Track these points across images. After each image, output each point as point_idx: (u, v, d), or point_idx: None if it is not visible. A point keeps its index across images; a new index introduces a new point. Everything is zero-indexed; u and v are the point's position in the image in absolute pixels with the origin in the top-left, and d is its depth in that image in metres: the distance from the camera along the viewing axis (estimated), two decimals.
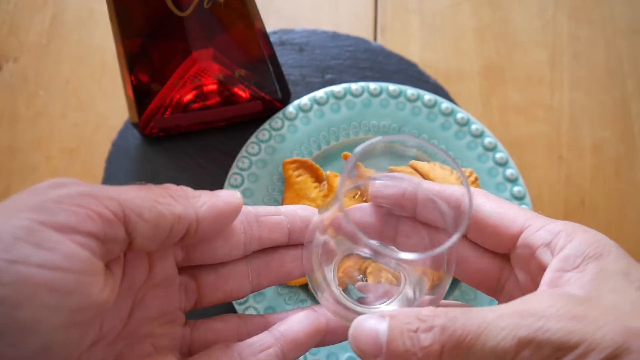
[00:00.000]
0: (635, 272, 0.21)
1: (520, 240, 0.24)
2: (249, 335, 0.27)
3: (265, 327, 0.27)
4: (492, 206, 0.25)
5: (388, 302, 0.27)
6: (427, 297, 0.25)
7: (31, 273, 0.19)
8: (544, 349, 0.18)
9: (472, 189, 0.26)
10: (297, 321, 0.27)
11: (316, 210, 0.29)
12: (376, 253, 0.26)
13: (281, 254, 0.29)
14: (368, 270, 0.28)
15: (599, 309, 0.19)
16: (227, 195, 0.25)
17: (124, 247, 0.22)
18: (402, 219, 0.28)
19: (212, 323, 0.28)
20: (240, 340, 0.26)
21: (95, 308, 0.21)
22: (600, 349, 0.18)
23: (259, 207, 0.28)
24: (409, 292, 0.27)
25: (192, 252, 0.27)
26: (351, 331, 0.22)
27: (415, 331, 0.20)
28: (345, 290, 0.27)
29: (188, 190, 0.25)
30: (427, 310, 0.21)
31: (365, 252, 0.28)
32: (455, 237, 0.21)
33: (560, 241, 0.23)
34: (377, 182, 0.28)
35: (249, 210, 0.28)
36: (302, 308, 0.28)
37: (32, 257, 0.19)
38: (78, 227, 0.20)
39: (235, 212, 0.25)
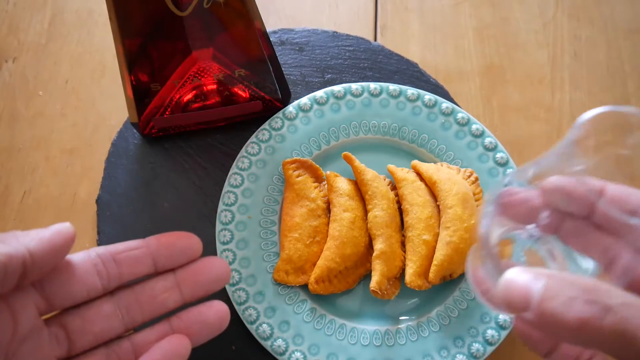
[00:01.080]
0: None
1: None
2: None
3: (133, 349, 0.28)
4: None
5: None
6: None
7: None
8: None
9: None
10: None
11: (187, 236, 0.30)
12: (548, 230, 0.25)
13: (151, 286, 0.30)
14: (524, 254, 0.27)
15: None
16: (57, 227, 0.27)
17: None
18: (569, 217, 0.27)
19: None
20: None
21: None
22: None
23: (116, 245, 0.29)
24: None
25: (52, 299, 0.27)
26: (504, 280, 0.22)
27: (573, 299, 0.19)
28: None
29: (16, 232, 0.26)
30: (591, 283, 0.20)
31: (527, 235, 0.27)
32: None
33: None
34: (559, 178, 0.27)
35: (102, 250, 0.28)
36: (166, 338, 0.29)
37: None
38: None
39: (68, 240, 0.26)
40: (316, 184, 0.46)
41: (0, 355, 0.25)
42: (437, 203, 0.44)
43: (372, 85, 0.49)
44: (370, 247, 0.44)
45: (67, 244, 0.26)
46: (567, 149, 0.23)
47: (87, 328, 0.28)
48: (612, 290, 0.20)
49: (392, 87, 0.49)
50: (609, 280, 0.23)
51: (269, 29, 0.52)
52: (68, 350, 0.28)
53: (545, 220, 0.26)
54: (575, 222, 0.27)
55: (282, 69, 0.48)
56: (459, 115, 0.48)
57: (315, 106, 0.49)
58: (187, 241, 0.30)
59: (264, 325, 0.42)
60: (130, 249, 0.29)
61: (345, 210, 0.44)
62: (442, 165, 0.46)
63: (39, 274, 0.26)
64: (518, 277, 0.21)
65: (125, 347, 0.29)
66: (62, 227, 0.27)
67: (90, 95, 0.52)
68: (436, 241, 0.43)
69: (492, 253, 0.24)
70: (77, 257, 0.28)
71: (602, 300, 0.19)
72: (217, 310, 0.31)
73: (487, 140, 0.47)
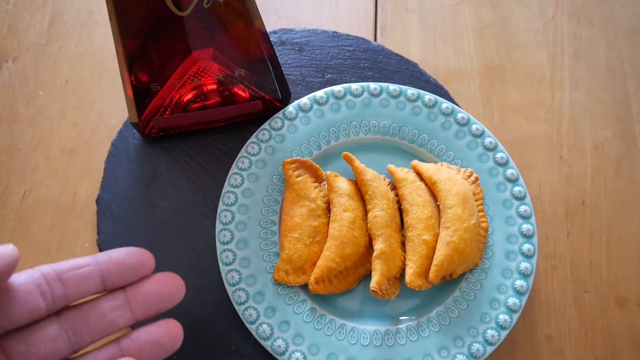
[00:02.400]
0: None
1: None
2: None
3: None
4: None
5: None
6: None
7: None
8: None
9: None
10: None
11: (135, 251, 0.29)
12: None
13: (100, 306, 0.29)
14: None
15: None
16: None
17: None
18: None
19: None
20: None
21: None
22: None
23: (62, 264, 0.28)
24: None
25: None
26: None
27: None
28: None
29: None
30: None
31: None
32: None
33: None
34: None
35: (47, 269, 0.27)
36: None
37: None
38: None
39: (9, 264, 0.25)
40: (316, 184, 0.46)
41: None
42: (437, 203, 0.44)
43: (372, 85, 0.49)
44: (370, 247, 0.44)
45: (8, 269, 0.25)
46: None
47: (30, 351, 0.26)
48: None
49: (392, 87, 0.49)
50: None
51: (269, 29, 0.52)
52: None
53: None
54: None
55: (282, 69, 0.48)
56: (459, 115, 0.48)
57: (315, 106, 0.49)
58: (139, 257, 0.29)
59: (264, 325, 0.42)
60: (77, 267, 0.28)
61: (345, 210, 0.44)
62: (442, 165, 0.46)
63: None
64: None
65: None
66: (4, 251, 0.25)
67: (90, 95, 0.52)
68: (436, 241, 0.43)
69: None
70: (18, 278, 0.27)
71: None
72: (169, 330, 0.29)
73: (487, 140, 0.47)
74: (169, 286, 0.30)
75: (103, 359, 0.28)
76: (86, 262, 0.28)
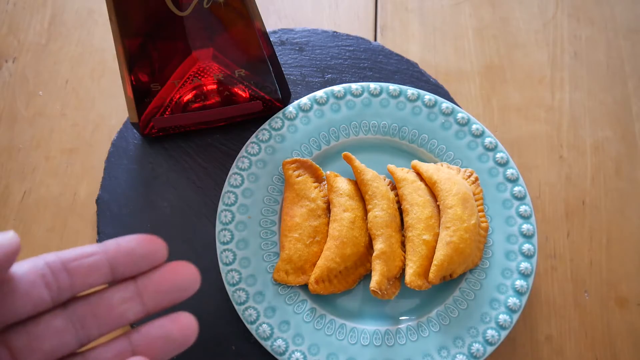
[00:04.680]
0: None
1: None
2: None
3: None
4: None
5: None
6: None
7: None
8: None
9: None
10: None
11: (148, 238, 0.27)
12: None
13: (109, 297, 0.27)
14: None
15: None
16: None
17: None
18: None
19: None
20: None
21: None
22: None
23: (68, 252, 0.26)
24: None
25: None
26: None
27: None
28: None
29: None
30: None
31: None
32: None
33: None
34: None
35: (51, 258, 0.25)
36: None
37: None
38: None
39: (10, 253, 0.23)
40: (316, 184, 0.46)
41: None
42: (437, 203, 0.44)
43: (372, 85, 0.49)
44: (370, 247, 0.44)
45: (9, 259, 0.23)
46: None
47: (34, 346, 0.25)
48: None
49: (392, 87, 0.49)
50: None
51: (269, 29, 0.52)
52: None
53: None
54: None
55: (282, 69, 0.48)
56: (459, 115, 0.48)
57: (315, 106, 0.49)
58: (150, 246, 0.27)
59: (264, 325, 0.42)
60: (85, 256, 0.26)
61: (345, 210, 0.44)
62: (442, 165, 0.46)
63: None
64: None
65: None
66: (4, 239, 0.23)
67: (90, 95, 0.52)
68: (436, 241, 0.43)
69: None
70: (21, 267, 0.25)
71: None
72: (182, 325, 0.27)
73: (487, 140, 0.47)
74: (183, 276, 0.28)
75: (112, 354, 0.27)
76: (94, 250, 0.26)
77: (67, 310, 0.26)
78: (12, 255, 0.23)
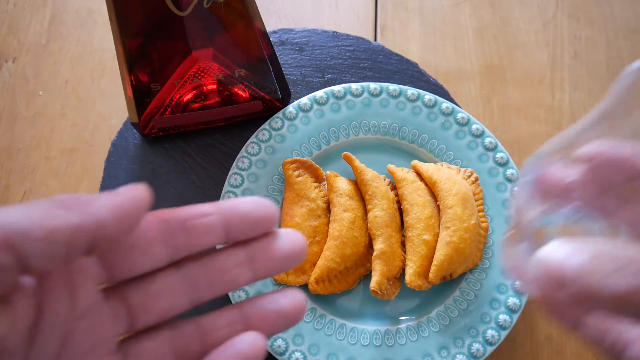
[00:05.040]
0: None
1: None
2: (186, 349, 0.25)
3: (198, 336, 0.25)
4: None
5: None
6: None
7: None
8: None
9: None
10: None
11: (263, 202, 0.26)
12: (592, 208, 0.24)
13: (222, 260, 0.26)
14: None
15: None
16: (129, 191, 0.23)
17: (16, 275, 0.20)
18: (612, 188, 0.24)
19: (143, 342, 0.25)
20: (177, 356, 0.25)
21: None
22: None
23: (185, 209, 0.25)
24: None
25: (113, 269, 0.24)
26: (537, 259, 0.21)
27: (618, 271, 0.19)
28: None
29: (81, 197, 0.22)
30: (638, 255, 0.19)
31: (566, 214, 0.25)
32: None
33: None
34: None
35: (170, 214, 0.25)
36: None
37: None
38: None
39: (141, 208, 0.23)
40: (316, 184, 0.46)
41: (57, 333, 0.22)
42: (437, 203, 0.44)
43: (372, 85, 0.49)
44: (370, 247, 0.44)
45: (141, 214, 0.23)
46: (617, 104, 0.21)
47: (151, 304, 0.25)
48: None
49: (392, 87, 0.49)
50: None
51: (269, 29, 0.52)
52: (128, 328, 0.25)
53: (585, 196, 0.23)
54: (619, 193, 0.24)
55: (282, 69, 0.48)
56: (459, 115, 0.48)
57: (315, 106, 0.49)
58: (264, 211, 0.26)
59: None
60: (202, 215, 0.25)
61: (345, 210, 0.44)
62: (442, 165, 0.46)
63: (106, 249, 0.23)
64: (553, 254, 0.20)
65: (191, 331, 0.26)
66: (137, 193, 0.23)
67: (90, 95, 0.52)
68: (436, 241, 0.43)
69: (528, 232, 0.23)
70: (142, 222, 0.24)
71: None
72: (294, 301, 0.26)
73: (487, 140, 0.47)
74: (294, 245, 0.27)
75: (224, 323, 0.26)
76: (211, 210, 0.25)
77: (181, 270, 0.25)
78: (145, 211, 0.23)
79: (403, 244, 0.44)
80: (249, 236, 0.26)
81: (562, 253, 0.20)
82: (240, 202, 0.25)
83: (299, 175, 0.45)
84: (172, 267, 0.25)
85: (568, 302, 0.20)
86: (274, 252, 0.26)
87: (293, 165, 0.46)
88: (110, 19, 0.38)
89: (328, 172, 0.45)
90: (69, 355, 0.22)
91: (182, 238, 0.25)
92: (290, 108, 0.48)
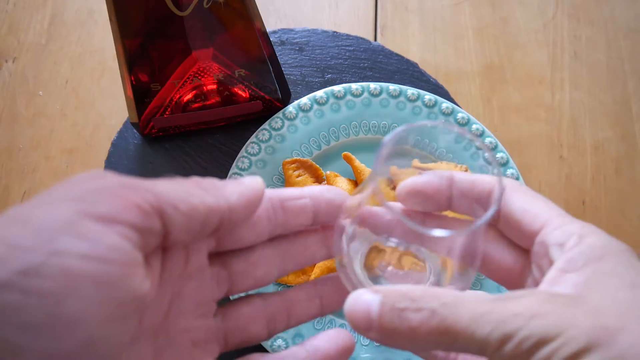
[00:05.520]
0: (633, 274, 0.22)
1: (538, 238, 0.25)
2: (274, 317, 0.28)
3: (284, 306, 0.28)
4: (520, 201, 0.26)
5: None
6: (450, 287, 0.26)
7: (74, 265, 0.18)
8: (524, 343, 0.19)
9: (507, 180, 0.26)
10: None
11: (341, 191, 0.29)
12: (409, 238, 0.26)
13: (304, 238, 0.29)
14: (394, 261, 0.28)
15: (582, 307, 0.20)
16: (252, 182, 0.25)
17: (159, 240, 0.22)
18: (430, 217, 0.28)
19: (240, 307, 0.28)
20: (268, 321, 0.28)
21: (137, 301, 0.20)
22: (573, 343, 0.19)
23: (283, 191, 0.28)
24: (434, 281, 0.27)
25: (223, 240, 0.27)
26: (347, 303, 0.22)
27: (404, 310, 0.21)
28: (374, 279, 0.27)
29: (215, 181, 0.25)
30: (419, 291, 0.21)
31: (392, 241, 0.28)
32: (480, 221, 0.21)
33: (571, 242, 0.23)
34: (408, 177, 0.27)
35: (273, 195, 0.27)
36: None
37: (74, 248, 0.18)
38: (118, 217, 0.20)
39: (260, 198, 0.25)
40: (316, 184, 0.46)
41: (168, 291, 0.24)
42: None
43: (372, 85, 0.49)
44: None
45: (259, 204, 0.25)
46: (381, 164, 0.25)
47: (250, 272, 0.27)
48: (440, 292, 0.21)
49: (392, 87, 0.49)
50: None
51: (269, 29, 0.52)
52: (228, 292, 0.27)
53: (404, 229, 0.26)
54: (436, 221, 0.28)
55: (282, 69, 0.48)
56: (459, 115, 0.48)
57: (315, 106, 0.49)
58: (343, 199, 0.29)
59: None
60: (296, 198, 0.28)
61: None
62: (440, 164, 0.46)
63: (230, 229, 0.25)
64: (361, 297, 0.22)
65: (278, 302, 0.28)
66: (257, 184, 0.25)
67: (90, 95, 0.52)
68: None
69: (348, 271, 0.26)
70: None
71: (428, 305, 0.21)
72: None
73: (487, 140, 0.47)
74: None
75: (304, 296, 0.29)
76: (304, 193, 0.28)
77: (273, 243, 0.28)
78: (260, 201, 0.25)
79: None
80: (330, 220, 0.28)
81: (367, 296, 0.22)
82: (325, 189, 0.28)
83: (299, 176, 0.45)
84: (268, 241, 0.28)
85: (383, 339, 0.22)
86: None
87: (293, 165, 0.46)
88: (110, 19, 0.38)
89: (328, 172, 0.45)
90: (176, 312, 0.25)
91: (281, 217, 0.27)
92: (290, 108, 0.48)
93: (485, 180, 0.27)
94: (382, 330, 0.21)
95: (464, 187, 0.28)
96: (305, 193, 0.28)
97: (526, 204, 0.26)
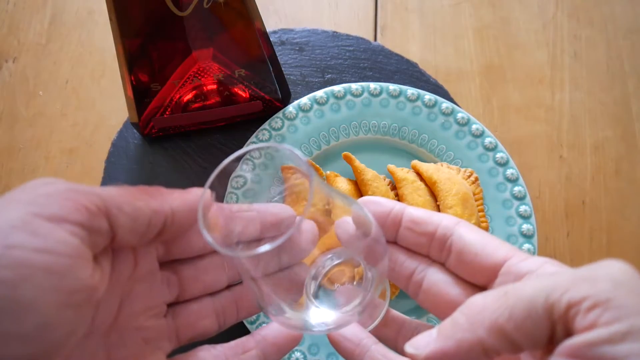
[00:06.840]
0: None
1: (504, 269, 0.25)
2: (224, 311, 0.29)
3: (233, 299, 0.30)
4: (475, 237, 0.27)
5: (358, 302, 0.28)
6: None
7: (28, 257, 0.21)
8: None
9: (457, 220, 0.27)
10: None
11: (286, 207, 0.31)
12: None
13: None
14: (335, 276, 0.29)
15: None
16: (197, 191, 0.27)
17: (107, 240, 0.24)
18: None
19: (189, 305, 0.29)
20: (217, 315, 0.29)
21: (86, 291, 0.22)
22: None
23: (233, 205, 0.30)
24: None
25: (171, 247, 0.29)
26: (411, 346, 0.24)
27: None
28: (317, 298, 0.28)
29: (161, 188, 0.27)
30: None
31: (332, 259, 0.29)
32: (304, 214, 0.22)
33: (549, 268, 0.24)
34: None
35: (224, 206, 0.29)
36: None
37: (27, 243, 0.21)
38: (67, 217, 0.22)
39: (206, 206, 0.27)
40: None
41: (118, 291, 0.26)
42: (437, 203, 0.44)
43: (372, 85, 0.49)
44: None
45: (205, 210, 0.27)
46: None
47: (199, 277, 0.29)
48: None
49: (392, 87, 0.49)
50: None
51: (269, 29, 0.52)
52: (177, 296, 0.29)
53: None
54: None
55: (282, 69, 0.48)
56: (459, 115, 0.48)
57: (315, 106, 0.49)
58: (288, 213, 0.31)
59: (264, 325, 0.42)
60: (245, 210, 0.30)
61: None
62: (442, 165, 0.46)
63: (174, 234, 0.27)
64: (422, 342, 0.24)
65: (228, 297, 0.30)
66: (201, 193, 0.27)
67: (90, 95, 0.52)
68: None
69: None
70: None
71: None
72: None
73: (487, 140, 0.47)
74: (305, 240, 0.30)
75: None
76: (251, 207, 0.30)
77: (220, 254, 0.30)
78: (207, 210, 0.26)
79: None
80: (277, 233, 0.30)
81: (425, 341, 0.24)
82: (271, 205, 0.30)
83: (298, 178, 0.46)
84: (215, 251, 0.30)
85: None
86: (297, 247, 0.30)
87: (291, 170, 0.46)
88: (110, 19, 0.38)
89: (328, 172, 0.45)
90: (127, 312, 0.26)
91: (232, 226, 0.29)
92: (290, 108, 0.48)
93: (437, 219, 0.28)
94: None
95: (416, 221, 0.28)
96: (253, 207, 0.30)
97: (482, 240, 0.27)
